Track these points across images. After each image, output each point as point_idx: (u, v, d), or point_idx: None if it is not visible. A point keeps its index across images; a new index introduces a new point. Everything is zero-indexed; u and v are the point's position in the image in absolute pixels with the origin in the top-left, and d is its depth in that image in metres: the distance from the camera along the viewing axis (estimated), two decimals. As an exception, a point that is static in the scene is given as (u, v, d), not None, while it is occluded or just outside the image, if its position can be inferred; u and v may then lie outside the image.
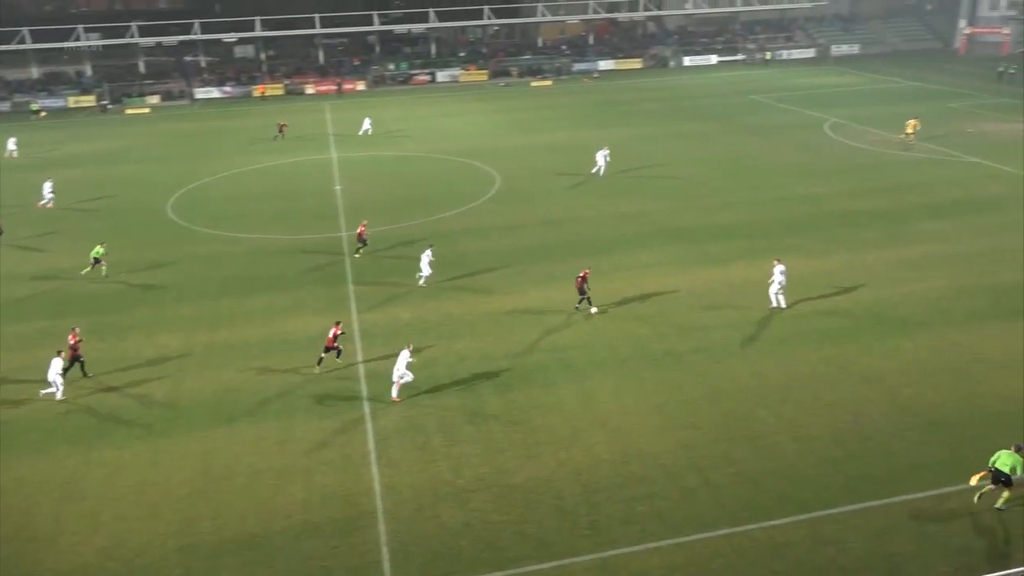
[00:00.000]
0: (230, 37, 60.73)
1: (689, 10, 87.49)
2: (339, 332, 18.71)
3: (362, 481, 15.00)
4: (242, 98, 59.88)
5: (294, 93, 60.78)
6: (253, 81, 62.05)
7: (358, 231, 26.41)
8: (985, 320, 19.98)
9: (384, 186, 32.83)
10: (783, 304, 20.36)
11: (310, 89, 61.08)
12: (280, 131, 41.07)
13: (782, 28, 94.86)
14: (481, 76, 67.59)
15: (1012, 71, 64.88)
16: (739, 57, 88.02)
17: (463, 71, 67.45)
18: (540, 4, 72.03)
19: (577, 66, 74.82)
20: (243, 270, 24.46)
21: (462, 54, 70.86)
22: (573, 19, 77.51)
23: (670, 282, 22.76)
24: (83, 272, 23.58)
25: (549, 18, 74.38)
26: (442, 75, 66.81)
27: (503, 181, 32.19)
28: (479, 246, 26.11)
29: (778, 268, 21.03)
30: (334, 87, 61.42)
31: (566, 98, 56.61)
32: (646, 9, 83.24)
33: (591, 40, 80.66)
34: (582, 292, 21.69)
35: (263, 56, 63.90)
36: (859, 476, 14.37)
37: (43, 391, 16.77)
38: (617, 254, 24.27)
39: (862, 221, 28.38)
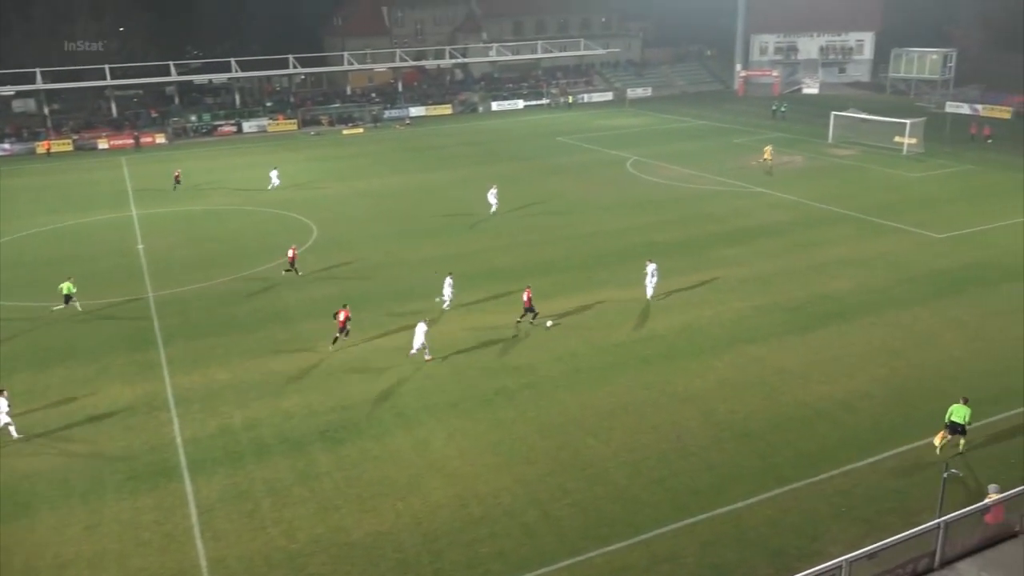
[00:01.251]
0: (6, 91, 57.44)
1: (493, 57, 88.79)
2: (348, 315, 21.13)
3: (186, 559, 14.47)
4: (24, 155, 57.20)
5: (84, 148, 58.42)
6: (36, 137, 59.18)
7: (289, 256, 27.69)
8: (782, 335, 22.53)
9: (193, 242, 32.39)
10: (649, 295, 23.79)
11: (103, 144, 58.95)
12: (176, 180, 41.13)
13: (581, 73, 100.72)
14: (290, 125, 67.08)
15: (783, 109, 72.02)
16: (544, 101, 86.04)
17: (271, 121, 66.65)
18: (346, 53, 72.98)
19: (389, 113, 75.39)
20: (37, 342, 23.18)
21: (269, 104, 70.06)
22: (380, 67, 77.96)
23: (494, 320, 23.58)
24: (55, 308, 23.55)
25: (356, 67, 74.36)
26: (248, 125, 65.80)
27: (320, 230, 32.59)
28: (299, 297, 26.26)
29: (650, 267, 24.27)
30: (131, 141, 59.67)
31: (379, 145, 57.65)
32: (451, 57, 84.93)
33: (400, 87, 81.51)
34: (530, 309, 23.03)
35: (46, 110, 60.72)
36: (686, 491, 15.56)
37: None
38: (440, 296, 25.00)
39: (667, 251, 32.12)
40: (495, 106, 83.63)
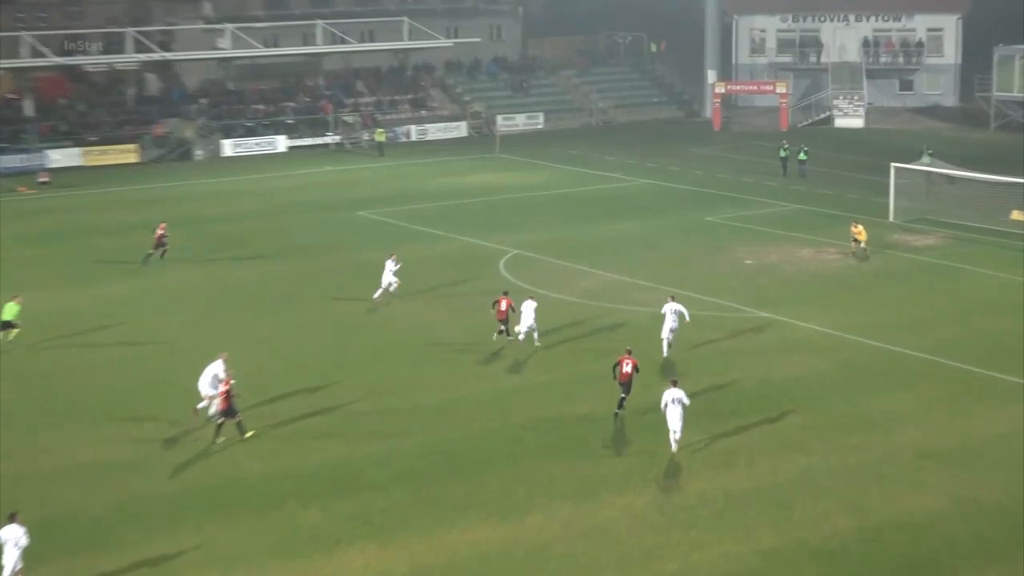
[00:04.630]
0: None
1: (223, 51, 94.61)
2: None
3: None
4: None
5: None
6: None
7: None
8: None
9: None
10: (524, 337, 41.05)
11: None
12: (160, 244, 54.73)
13: (404, 85, 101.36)
14: None
15: (803, 158, 76.80)
16: (330, 139, 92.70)
17: None
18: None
19: (5, 160, 78.44)
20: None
21: None
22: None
23: None
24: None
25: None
26: None
27: None
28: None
29: (531, 305, 40.87)
30: None
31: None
32: (139, 50, 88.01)
33: (28, 109, 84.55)
34: (507, 322, 40.62)
35: None
36: None
37: None
38: None
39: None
40: (230, 148, 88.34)
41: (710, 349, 42.17)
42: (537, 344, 40.90)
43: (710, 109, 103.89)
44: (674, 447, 32.58)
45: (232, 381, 33.70)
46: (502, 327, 40.99)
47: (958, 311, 46.60)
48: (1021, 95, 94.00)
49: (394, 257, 46.70)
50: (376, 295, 46.54)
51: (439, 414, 35.80)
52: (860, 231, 54.85)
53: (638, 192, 73.72)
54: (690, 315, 40.98)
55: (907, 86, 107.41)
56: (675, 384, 32.98)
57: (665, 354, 40.10)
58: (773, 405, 36.38)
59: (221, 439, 33.20)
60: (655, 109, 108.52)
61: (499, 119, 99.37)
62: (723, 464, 32.08)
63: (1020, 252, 55.13)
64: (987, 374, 38.88)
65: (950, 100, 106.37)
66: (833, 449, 33.13)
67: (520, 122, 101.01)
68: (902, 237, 59.57)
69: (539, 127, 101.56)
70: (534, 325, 40.45)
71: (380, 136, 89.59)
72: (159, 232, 53.48)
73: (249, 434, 33.28)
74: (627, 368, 34.63)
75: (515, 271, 53.05)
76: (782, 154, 78.91)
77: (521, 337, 40.71)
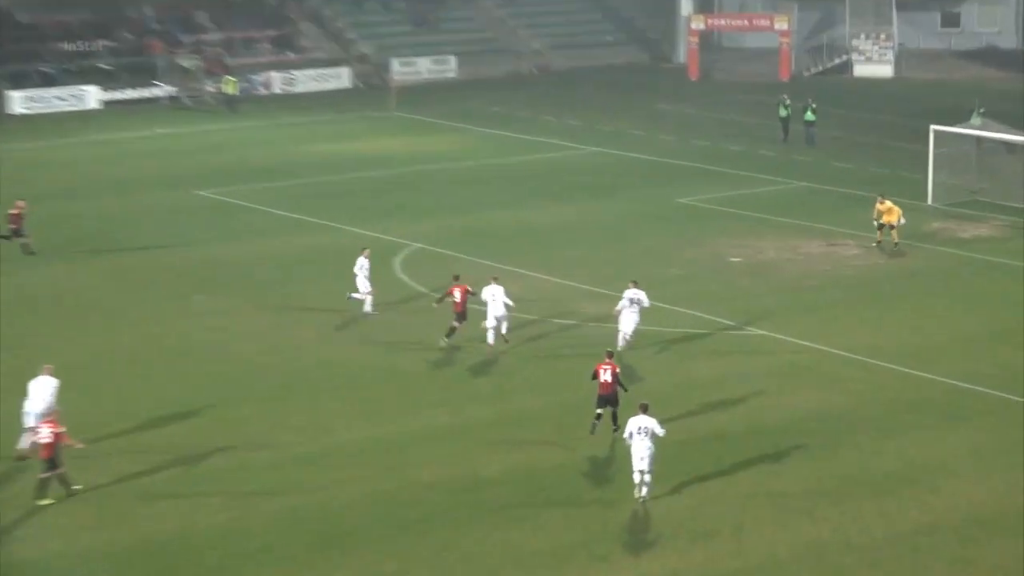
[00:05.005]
0: None
1: None
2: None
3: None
4: None
5: None
6: None
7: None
8: None
9: None
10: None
11: None
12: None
13: (266, 17, 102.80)
14: None
15: (811, 116, 78.75)
16: (163, 91, 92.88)
17: None
18: None
19: None
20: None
21: None
22: None
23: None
24: None
25: None
26: None
27: None
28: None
29: (496, 291, 43.86)
30: None
31: None
32: None
33: None
34: (464, 317, 43.70)
35: None
36: None
37: None
38: None
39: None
40: (19, 103, 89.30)
41: (684, 378, 42.03)
42: (505, 339, 43.58)
43: (684, 52, 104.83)
44: (640, 493, 32.88)
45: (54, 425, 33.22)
46: (456, 324, 43.26)
47: (1020, 327, 46.57)
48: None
49: (367, 253, 47.54)
50: (367, 307, 47.36)
51: (310, 467, 35.43)
52: (889, 210, 55.30)
53: (586, 165, 73.94)
54: (649, 303, 43.42)
55: (952, 21, 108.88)
56: (644, 409, 33.45)
57: (619, 347, 42.24)
58: (770, 454, 36.19)
59: (47, 501, 32.83)
60: (610, 51, 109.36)
61: (395, 64, 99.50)
62: (704, 533, 31.80)
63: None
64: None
65: (1010, 40, 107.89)
66: (850, 515, 32.81)
67: (424, 69, 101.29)
68: (944, 225, 59.90)
69: (450, 75, 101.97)
70: (505, 314, 43.09)
71: (230, 87, 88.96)
72: (14, 212, 55.18)
73: (76, 487, 33.13)
74: (606, 376, 36.07)
75: (417, 272, 53.02)
76: (782, 113, 79.64)
77: (490, 337, 43.30)
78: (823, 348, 44.61)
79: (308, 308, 49.15)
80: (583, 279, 52.16)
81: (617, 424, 35.93)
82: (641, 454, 32.89)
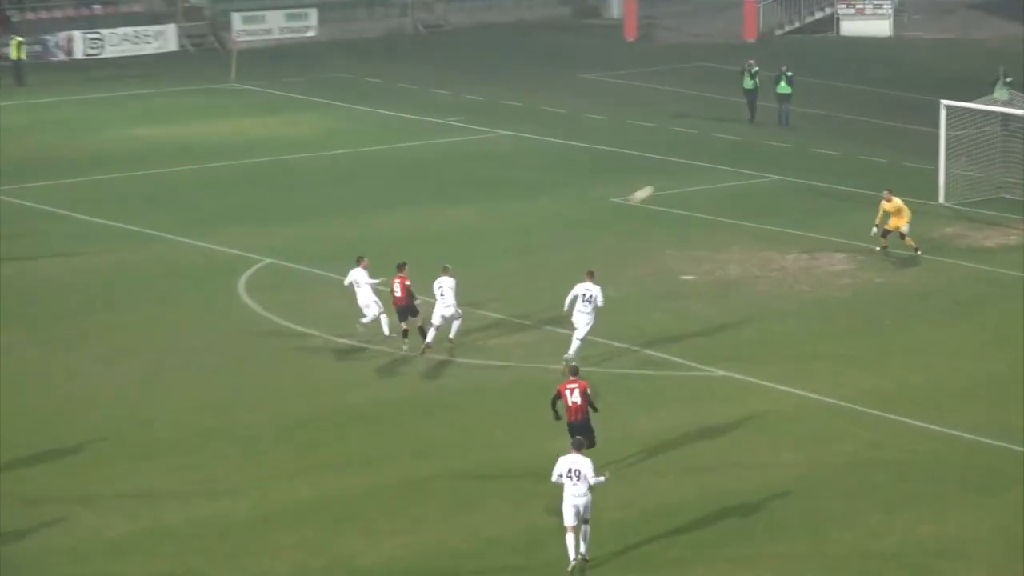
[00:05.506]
0: None
1: None
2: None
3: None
4: None
5: None
6: None
7: None
8: None
9: None
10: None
11: None
12: None
13: None
14: None
15: (785, 89, 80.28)
16: None
17: None
18: None
19: None
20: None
21: None
22: None
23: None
24: None
25: None
26: None
27: None
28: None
29: (447, 284, 47.52)
30: None
31: None
32: None
33: None
34: (412, 312, 47.77)
35: None
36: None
37: None
38: None
39: None
40: None
41: (624, 433, 41.58)
42: (451, 340, 46.74)
43: (619, 4, 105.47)
44: (573, 556, 33.29)
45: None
46: (404, 325, 46.71)
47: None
48: None
49: (365, 263, 48.41)
50: (364, 321, 48.43)
51: (123, 557, 34.76)
52: (899, 211, 55.83)
53: (491, 153, 74.68)
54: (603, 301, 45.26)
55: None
56: (578, 447, 33.97)
57: (570, 353, 44.86)
58: (736, 534, 36.08)
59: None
60: (522, 4, 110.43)
61: (237, 20, 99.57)
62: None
63: None
64: None
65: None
66: None
67: (276, 26, 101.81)
68: (961, 231, 60.53)
69: (310, 35, 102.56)
70: (458, 312, 46.36)
71: (15, 51, 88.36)
72: None
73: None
74: (574, 398, 37.19)
75: (268, 296, 53.22)
76: (748, 84, 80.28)
77: (430, 337, 46.48)
78: (804, 394, 44.68)
79: (120, 346, 48.89)
80: (487, 304, 52.10)
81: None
82: (575, 501, 33.37)
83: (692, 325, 50.53)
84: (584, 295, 45.30)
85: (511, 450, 39.35)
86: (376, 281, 48.17)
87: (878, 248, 56.12)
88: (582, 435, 36.07)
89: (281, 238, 59.88)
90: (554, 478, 33.67)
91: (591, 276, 45.51)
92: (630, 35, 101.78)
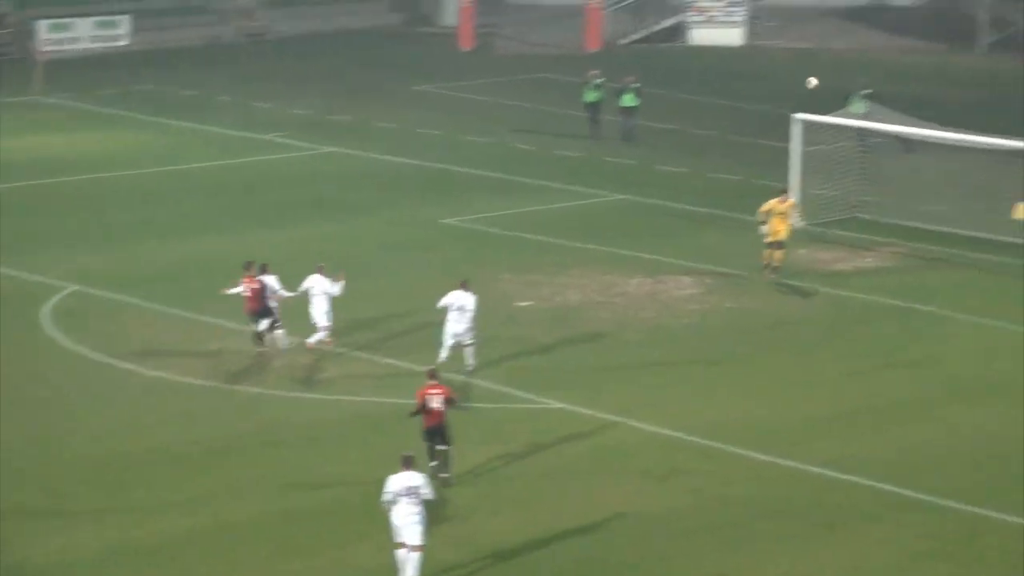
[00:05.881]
0: None
1: None
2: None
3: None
4: None
5: None
6: None
7: None
8: None
9: None
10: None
11: None
12: None
13: None
14: None
15: (630, 102, 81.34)
16: None
17: None
18: None
19: None
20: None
21: None
22: None
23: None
24: None
25: None
26: None
27: None
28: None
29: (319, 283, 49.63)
30: None
31: None
32: None
33: None
34: (265, 314, 49.52)
35: None
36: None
37: None
38: None
39: None
40: None
41: (457, 467, 41.45)
42: (325, 340, 48.68)
43: (453, 11, 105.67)
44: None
45: None
46: (260, 325, 48.73)
47: (922, 396, 47.59)
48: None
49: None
50: (314, 339, 49.73)
51: None
52: (786, 212, 56.99)
53: (317, 172, 75.02)
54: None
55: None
56: (408, 464, 34.53)
57: (443, 357, 47.37)
58: (575, 575, 36.57)
59: None
60: (351, 12, 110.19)
61: (42, 29, 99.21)
62: None
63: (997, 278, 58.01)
64: (977, 513, 39.06)
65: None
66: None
67: (85, 35, 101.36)
68: (817, 254, 61.47)
69: (122, 44, 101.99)
70: (328, 325, 48.42)
71: None
72: None
73: None
74: (436, 404, 38.69)
75: (74, 326, 52.91)
76: (590, 98, 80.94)
77: (312, 339, 48.83)
78: (647, 427, 44.95)
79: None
80: (308, 332, 51.31)
81: (449, 471, 38.27)
82: (409, 521, 33.80)
83: (529, 354, 50.82)
84: (453, 304, 47.67)
85: (338, 489, 39.18)
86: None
87: (765, 265, 57.30)
88: (444, 442, 38.40)
89: (89, 263, 59.39)
90: (386, 498, 33.98)
91: (465, 286, 47.79)
92: (466, 44, 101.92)
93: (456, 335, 47.90)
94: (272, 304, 48.80)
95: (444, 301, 48.07)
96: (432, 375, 39.74)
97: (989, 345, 51.93)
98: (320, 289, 49.22)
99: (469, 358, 48.24)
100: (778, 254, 56.69)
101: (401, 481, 33.86)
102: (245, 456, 42.62)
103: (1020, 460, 42.28)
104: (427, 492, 33.96)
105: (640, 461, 42.89)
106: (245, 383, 46.65)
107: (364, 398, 45.87)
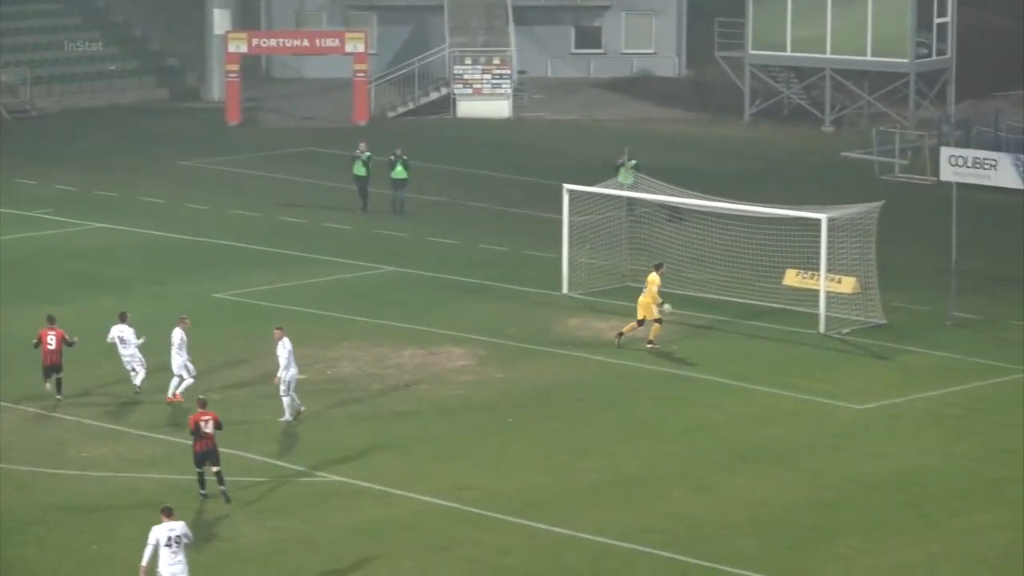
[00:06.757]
0: None
1: None
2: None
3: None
4: None
5: None
6: None
7: None
8: None
9: None
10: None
11: None
12: None
13: None
14: None
15: (399, 175, 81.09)
16: None
17: None
18: None
19: None
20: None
21: None
22: None
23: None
24: None
25: None
26: None
27: None
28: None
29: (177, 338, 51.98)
30: None
31: None
32: None
33: None
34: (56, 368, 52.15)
35: None
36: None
37: None
38: None
39: None
40: None
41: (230, 544, 41.64)
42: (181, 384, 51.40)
43: (220, 85, 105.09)
44: None
45: None
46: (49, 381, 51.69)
47: (695, 462, 48.25)
48: (796, 55, 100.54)
49: (186, 323, 52.92)
50: (175, 389, 52.10)
51: None
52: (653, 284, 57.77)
53: (83, 248, 74.46)
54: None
55: (591, 40, 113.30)
56: (168, 514, 35.21)
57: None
58: None
59: None
60: (118, 88, 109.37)
61: None
62: None
63: (799, 346, 58.70)
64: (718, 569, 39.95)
65: (670, 66, 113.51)
66: None
67: None
68: (587, 323, 61.87)
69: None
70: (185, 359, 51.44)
71: None
72: None
73: None
74: (208, 428, 42.01)
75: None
76: (359, 171, 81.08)
77: (180, 388, 52.10)
78: (423, 498, 45.01)
79: None
80: (75, 410, 51.70)
81: (224, 486, 39.59)
82: (172, 571, 34.39)
83: (302, 427, 50.69)
84: (115, 337, 51.26)
85: (105, 570, 38.75)
86: (140, 341, 51.75)
87: (649, 343, 58.05)
88: (213, 463, 41.15)
89: None
90: (150, 544, 34.52)
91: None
92: (232, 118, 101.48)
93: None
94: (181, 359, 51.24)
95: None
96: (202, 404, 42.56)
97: (759, 411, 52.55)
98: (128, 337, 51.76)
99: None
100: (655, 327, 57.59)
101: (163, 531, 34.39)
102: (17, 538, 41.84)
103: (791, 525, 42.98)
104: (188, 539, 34.81)
105: (416, 534, 42.78)
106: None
107: (136, 474, 45.26)
